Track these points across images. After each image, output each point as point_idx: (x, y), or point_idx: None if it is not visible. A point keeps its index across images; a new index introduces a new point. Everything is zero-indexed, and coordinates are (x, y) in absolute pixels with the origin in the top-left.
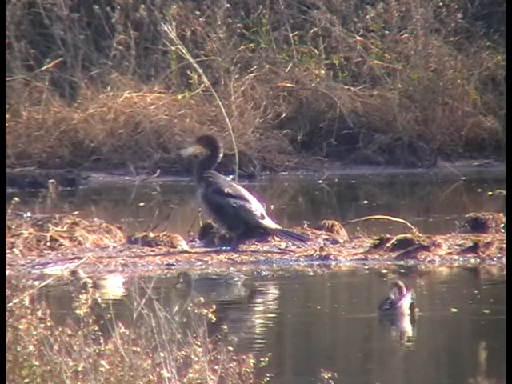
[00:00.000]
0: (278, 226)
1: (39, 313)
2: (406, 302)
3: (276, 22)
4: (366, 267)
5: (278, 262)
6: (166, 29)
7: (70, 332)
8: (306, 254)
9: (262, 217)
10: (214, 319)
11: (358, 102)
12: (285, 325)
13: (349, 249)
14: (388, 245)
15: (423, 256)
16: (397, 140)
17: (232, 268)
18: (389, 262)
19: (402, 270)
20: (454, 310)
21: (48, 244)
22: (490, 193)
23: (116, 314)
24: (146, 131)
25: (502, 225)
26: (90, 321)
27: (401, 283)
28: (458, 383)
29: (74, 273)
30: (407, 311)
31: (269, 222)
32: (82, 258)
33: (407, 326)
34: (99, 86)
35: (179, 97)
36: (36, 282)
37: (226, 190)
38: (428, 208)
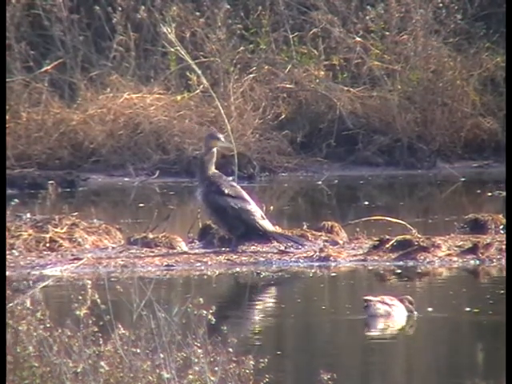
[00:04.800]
0: (276, 229)
1: (39, 314)
2: (381, 305)
3: (276, 22)
4: (366, 268)
5: (278, 263)
6: (165, 30)
7: (69, 333)
8: (305, 255)
9: (262, 219)
10: (214, 320)
11: (357, 103)
12: (284, 326)
13: (348, 250)
14: (387, 246)
15: (422, 257)
16: (396, 141)
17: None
18: (388, 263)
19: (402, 271)
20: (454, 310)
21: (47, 245)
22: (489, 194)
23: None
24: (146, 132)
25: (502, 226)
26: (90, 322)
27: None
28: (458, 383)
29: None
30: (395, 314)
31: (268, 225)
32: (81, 259)
33: (402, 328)
34: (99, 88)
35: (178, 98)
36: (36, 283)
37: (226, 191)
38: (427, 209)
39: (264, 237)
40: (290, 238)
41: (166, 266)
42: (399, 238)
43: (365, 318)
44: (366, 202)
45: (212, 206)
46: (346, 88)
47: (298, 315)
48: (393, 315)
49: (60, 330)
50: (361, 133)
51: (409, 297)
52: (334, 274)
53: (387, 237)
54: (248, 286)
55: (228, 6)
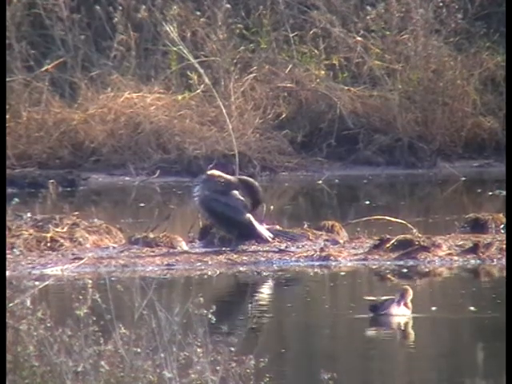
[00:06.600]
0: (270, 235)
1: (39, 313)
2: (395, 307)
3: (276, 22)
4: (366, 268)
5: (278, 263)
6: (167, 29)
7: (70, 333)
8: (306, 254)
9: (257, 227)
10: (214, 320)
11: (357, 102)
12: (285, 325)
13: (349, 249)
14: (388, 245)
15: (423, 257)
16: (397, 141)
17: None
18: (389, 263)
19: (402, 271)
20: (454, 310)
21: (48, 244)
22: (489, 193)
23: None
24: (146, 132)
25: (502, 225)
26: (91, 321)
27: (408, 289)
28: (458, 383)
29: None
30: (397, 313)
31: (263, 231)
32: (82, 259)
33: (402, 328)
34: (99, 87)
35: (179, 97)
36: (36, 283)
37: (220, 198)
38: (428, 208)
39: (262, 238)
40: (286, 234)
41: (166, 265)
42: (400, 237)
43: (367, 317)
44: (367, 202)
45: (208, 211)
46: (346, 87)
47: (298, 314)
48: (397, 315)
49: (61, 330)
50: (361, 132)
51: (405, 287)
52: (334, 274)
53: (388, 236)
54: (248, 286)
55: (228, 6)
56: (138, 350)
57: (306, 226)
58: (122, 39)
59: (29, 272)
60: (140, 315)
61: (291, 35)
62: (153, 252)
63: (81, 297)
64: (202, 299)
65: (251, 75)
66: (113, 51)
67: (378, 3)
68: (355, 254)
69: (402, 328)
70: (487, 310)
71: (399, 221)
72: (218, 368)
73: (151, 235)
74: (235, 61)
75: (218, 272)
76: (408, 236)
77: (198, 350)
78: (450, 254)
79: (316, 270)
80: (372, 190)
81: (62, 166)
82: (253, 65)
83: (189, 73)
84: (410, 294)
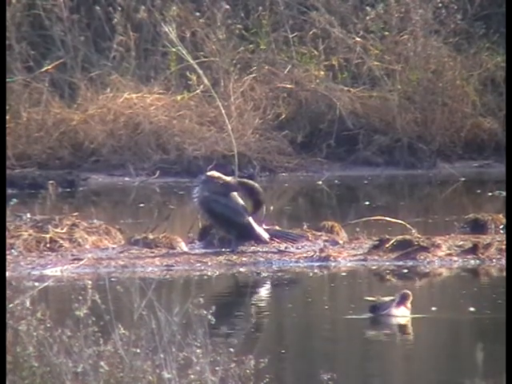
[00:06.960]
0: (268, 236)
1: (39, 314)
2: (395, 307)
3: (275, 23)
4: (366, 268)
5: (278, 264)
6: (167, 30)
7: (69, 333)
8: (305, 255)
9: (256, 230)
10: (214, 320)
11: (357, 103)
12: (285, 326)
13: (348, 250)
14: (387, 246)
15: (423, 257)
16: (396, 141)
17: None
18: (388, 263)
19: (402, 271)
20: (454, 310)
21: (48, 245)
22: (489, 194)
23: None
24: (146, 132)
25: (502, 226)
26: (90, 322)
27: (409, 294)
28: (458, 383)
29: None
30: (397, 314)
31: (262, 232)
32: (81, 260)
33: (402, 329)
34: (99, 87)
35: (178, 98)
36: (36, 283)
37: (219, 199)
38: (427, 209)
39: (261, 240)
40: (286, 235)
41: (166, 266)
42: (399, 237)
43: (367, 318)
44: (367, 202)
45: (208, 212)
46: (346, 88)
47: (298, 315)
48: (396, 316)
49: (60, 330)
50: (361, 133)
51: (407, 292)
52: (334, 274)
53: (387, 237)
54: (248, 287)
55: (228, 6)
56: (138, 350)
57: (305, 226)
58: (122, 40)
59: (28, 273)
60: (139, 316)
61: (291, 36)
62: (152, 253)
63: (80, 297)
64: (201, 300)
65: (251, 76)
66: (112, 52)
67: (378, 4)
68: (355, 255)
69: (402, 328)
70: (487, 311)
71: (399, 221)
72: (217, 368)
73: (151, 236)
74: (235, 61)
75: (217, 273)
76: (407, 236)
77: (198, 350)
78: (449, 255)
79: (316, 270)
80: (372, 191)
81: (62, 166)
82: (252, 65)
83: (188, 73)
84: (410, 298)
